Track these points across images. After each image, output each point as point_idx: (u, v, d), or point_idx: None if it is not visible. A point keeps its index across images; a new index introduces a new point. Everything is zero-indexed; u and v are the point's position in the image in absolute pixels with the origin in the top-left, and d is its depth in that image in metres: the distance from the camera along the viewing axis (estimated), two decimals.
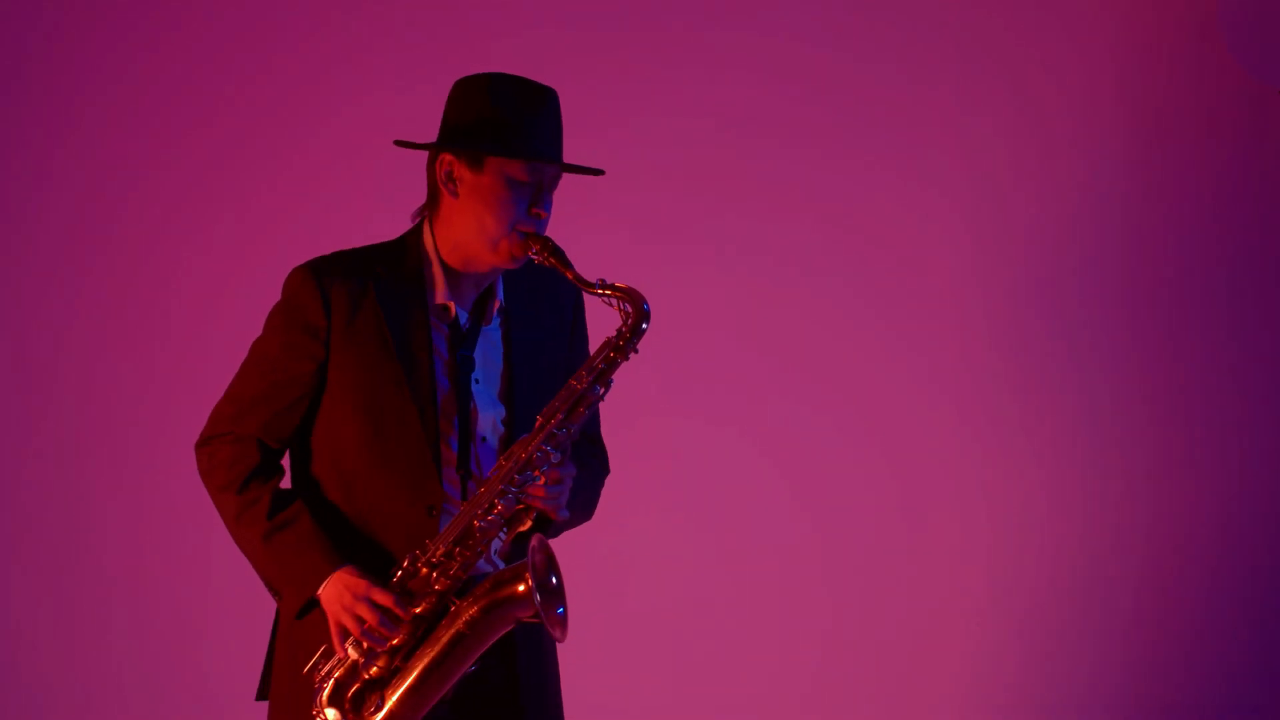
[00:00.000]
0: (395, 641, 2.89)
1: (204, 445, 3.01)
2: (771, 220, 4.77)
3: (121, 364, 4.71)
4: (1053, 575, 4.81)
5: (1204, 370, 4.82)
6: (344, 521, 2.96)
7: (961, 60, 4.77)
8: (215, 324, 4.63)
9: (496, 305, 3.05)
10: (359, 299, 2.94)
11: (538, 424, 2.93)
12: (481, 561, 2.97)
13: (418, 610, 2.90)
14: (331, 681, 2.91)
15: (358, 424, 2.94)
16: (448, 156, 2.96)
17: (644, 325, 2.94)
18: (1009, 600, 4.80)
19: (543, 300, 3.13)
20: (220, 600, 4.60)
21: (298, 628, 2.98)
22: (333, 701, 2.92)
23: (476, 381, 3.02)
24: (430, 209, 3.03)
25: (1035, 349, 4.82)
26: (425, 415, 2.94)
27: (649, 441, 4.56)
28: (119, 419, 4.71)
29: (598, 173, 3.05)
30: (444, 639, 2.91)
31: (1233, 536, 4.81)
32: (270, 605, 3.08)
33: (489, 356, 3.05)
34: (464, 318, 3.03)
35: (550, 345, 3.13)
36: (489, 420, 3.03)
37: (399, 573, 2.92)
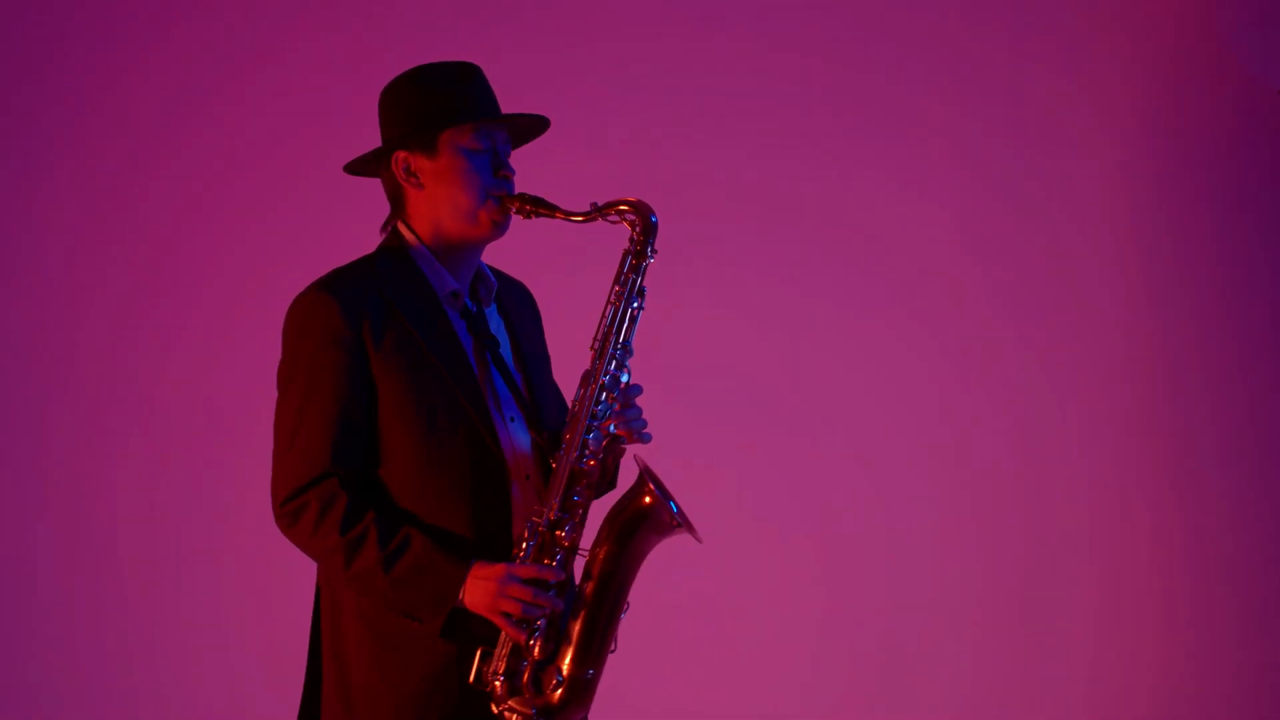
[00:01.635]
0: (558, 608, 2.86)
1: (283, 509, 2.88)
2: (769, 222, 4.81)
3: (131, 365, 4.65)
4: (1072, 577, 4.87)
5: (1202, 371, 4.90)
6: (429, 531, 2.88)
7: (959, 61, 4.84)
8: (228, 329, 4.59)
9: (493, 287, 3.07)
10: (376, 306, 2.91)
11: (594, 352, 2.95)
12: None
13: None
14: (500, 678, 2.87)
15: (410, 428, 2.88)
16: (401, 154, 2.98)
17: (652, 235, 2.97)
18: (1009, 601, 4.86)
19: (509, 290, 3.16)
20: (241, 607, 4.59)
21: (346, 643, 2.91)
22: (512, 693, 2.88)
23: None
24: (398, 214, 3.03)
25: (1037, 351, 4.89)
26: (476, 402, 2.91)
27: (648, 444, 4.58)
28: (124, 420, 4.65)
29: (544, 125, 3.05)
30: (591, 588, 2.90)
31: (1235, 540, 4.90)
32: (297, 618, 3.02)
33: (499, 336, 3.06)
34: (469, 302, 3.03)
35: (533, 330, 3.16)
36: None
37: (523, 544, 2.89)
